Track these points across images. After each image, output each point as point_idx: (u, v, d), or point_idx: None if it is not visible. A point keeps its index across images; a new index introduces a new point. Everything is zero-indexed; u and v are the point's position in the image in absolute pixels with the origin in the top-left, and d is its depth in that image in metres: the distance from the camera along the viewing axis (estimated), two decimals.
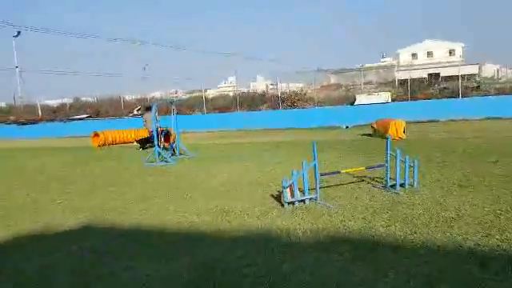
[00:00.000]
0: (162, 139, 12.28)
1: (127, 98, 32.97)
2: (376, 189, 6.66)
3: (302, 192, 6.00)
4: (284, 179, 5.84)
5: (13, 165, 13.12)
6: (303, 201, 5.99)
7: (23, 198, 7.64)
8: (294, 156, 10.81)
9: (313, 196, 6.07)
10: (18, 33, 37.56)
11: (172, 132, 16.83)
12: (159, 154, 11.78)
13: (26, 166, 12.56)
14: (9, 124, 30.15)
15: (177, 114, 12.61)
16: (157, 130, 14.96)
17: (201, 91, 28.28)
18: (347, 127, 21.08)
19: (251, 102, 25.60)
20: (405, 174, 6.54)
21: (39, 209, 6.71)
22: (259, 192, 6.88)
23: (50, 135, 26.41)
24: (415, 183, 6.63)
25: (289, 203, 5.87)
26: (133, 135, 18.58)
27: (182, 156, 12.29)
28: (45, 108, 31.60)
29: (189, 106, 26.78)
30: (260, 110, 24.92)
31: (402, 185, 6.61)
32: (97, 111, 28.77)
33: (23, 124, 29.04)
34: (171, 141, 12.67)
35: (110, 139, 18.37)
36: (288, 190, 5.95)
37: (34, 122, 28.88)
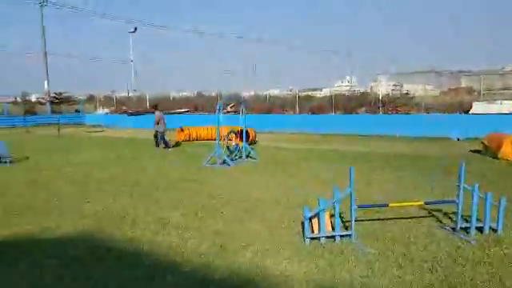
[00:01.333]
0: (227, 139, 11.81)
1: (245, 94, 33.86)
2: (443, 230, 5.15)
3: (343, 222, 4.85)
4: (306, 207, 4.76)
5: (83, 154, 13.96)
6: (333, 237, 4.83)
7: (58, 192, 7.77)
8: (366, 173, 9.40)
9: (348, 233, 4.87)
10: (135, 29, 41.38)
11: (252, 132, 16.47)
12: (230, 154, 11.50)
13: (93, 158, 13.23)
14: (120, 114, 33.30)
15: (246, 113, 12.03)
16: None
17: (315, 89, 27.64)
18: (459, 139, 18.26)
19: (347, 104, 23.91)
20: (486, 214, 4.92)
21: (62, 207, 6.66)
22: (291, 216, 5.85)
23: (151, 126, 28.22)
24: (499, 229, 4.94)
25: (312, 238, 4.78)
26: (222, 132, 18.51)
27: (246, 159, 11.67)
28: (152, 100, 34.04)
29: (282, 106, 26.22)
30: (357, 113, 23.13)
31: (480, 229, 4.99)
32: (195, 106, 30.03)
33: (132, 114, 31.68)
34: (238, 142, 12.13)
35: (194, 135, 18.70)
36: (314, 221, 4.86)
37: (141, 113, 31.28)
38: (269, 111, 26.22)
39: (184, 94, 42.36)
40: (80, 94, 47.56)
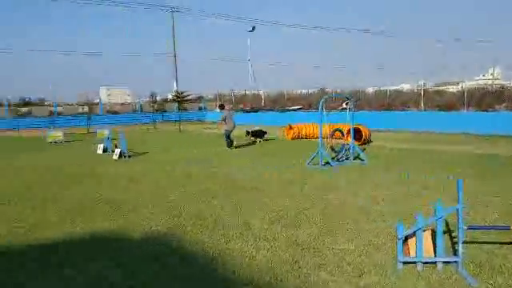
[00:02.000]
0: (331, 138, 11.13)
1: (370, 90, 32.51)
2: None
3: (453, 243, 4.00)
4: (399, 224, 4.00)
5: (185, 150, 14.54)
6: (434, 263, 3.99)
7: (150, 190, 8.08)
8: (490, 182, 7.92)
9: (454, 259, 3.98)
10: (253, 28, 42.58)
11: (365, 131, 15.43)
12: (336, 154, 10.89)
13: (201, 155, 13.66)
14: (237, 111, 34.72)
15: (354, 110, 11.22)
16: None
17: (450, 83, 25.22)
18: None
19: (483, 99, 20.95)
20: None
21: (150, 205, 6.87)
22: (391, 231, 5.07)
23: (264, 123, 28.62)
24: None
25: (406, 263, 4.01)
26: (327, 130, 17.80)
27: (354, 161, 10.87)
28: (267, 98, 34.76)
29: (403, 102, 24.23)
30: (496, 110, 20.12)
31: None
32: (310, 103, 29.60)
33: (247, 112, 32.79)
34: (345, 141, 11.37)
35: (304, 133, 18.31)
36: (411, 242, 4.08)
37: (255, 110, 32.17)
38: (389, 108, 24.57)
39: (303, 91, 42.17)
40: (208, 93, 51.38)
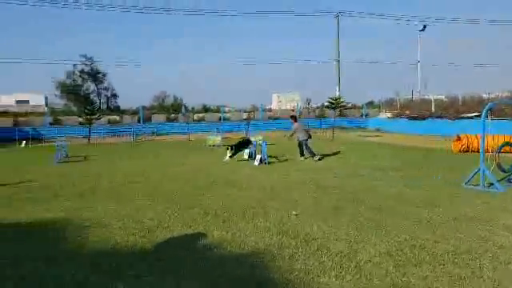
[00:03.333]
0: (496, 153, 9.04)
1: None
2: None
3: None
4: None
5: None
6: None
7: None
8: None
9: None
10: (424, 27, 39.02)
11: None
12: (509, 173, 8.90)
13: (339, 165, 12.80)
14: (401, 118, 32.15)
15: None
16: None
17: None
18: None
19: None
20: None
21: (262, 217, 6.54)
22: None
23: (430, 132, 25.72)
24: None
25: None
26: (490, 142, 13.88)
27: None
28: (438, 104, 31.20)
29: None
30: None
31: None
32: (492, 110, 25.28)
33: (413, 118, 30.05)
34: None
35: (476, 145, 15.64)
36: None
37: (423, 117, 29.18)
38: None
39: (484, 95, 36.65)
40: (374, 98, 49.70)
